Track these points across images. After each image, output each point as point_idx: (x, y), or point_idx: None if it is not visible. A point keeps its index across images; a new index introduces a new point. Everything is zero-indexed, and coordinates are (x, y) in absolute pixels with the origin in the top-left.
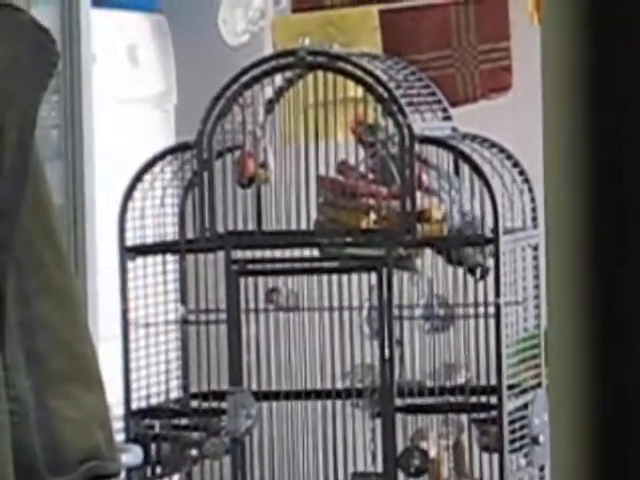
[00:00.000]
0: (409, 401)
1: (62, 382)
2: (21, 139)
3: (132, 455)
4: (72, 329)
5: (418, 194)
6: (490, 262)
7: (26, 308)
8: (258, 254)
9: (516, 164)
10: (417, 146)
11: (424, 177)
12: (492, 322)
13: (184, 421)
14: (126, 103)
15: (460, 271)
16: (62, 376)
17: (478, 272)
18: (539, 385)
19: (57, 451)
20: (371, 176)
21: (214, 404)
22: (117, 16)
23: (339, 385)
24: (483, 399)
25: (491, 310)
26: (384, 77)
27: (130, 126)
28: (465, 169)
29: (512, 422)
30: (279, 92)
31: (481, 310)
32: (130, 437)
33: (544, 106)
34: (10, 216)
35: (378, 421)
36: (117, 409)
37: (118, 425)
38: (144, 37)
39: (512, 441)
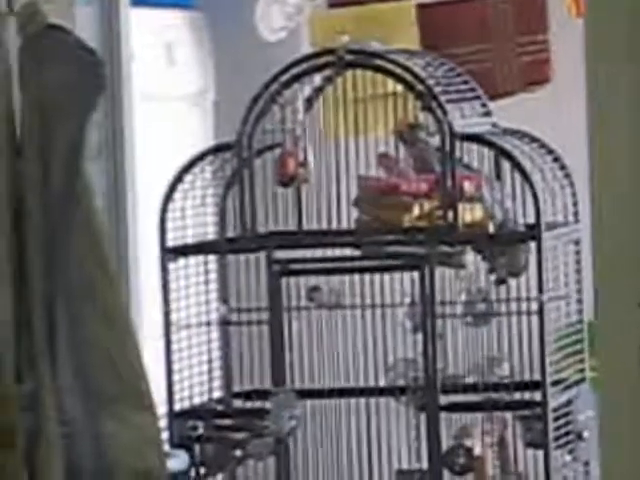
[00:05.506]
0: (453, 399)
1: (113, 403)
2: (70, 160)
3: (179, 460)
4: (122, 348)
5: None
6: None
7: (77, 330)
8: (299, 253)
9: (557, 159)
10: (458, 147)
11: (466, 186)
12: (535, 318)
13: (227, 421)
14: (164, 101)
15: None
16: (112, 397)
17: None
18: (583, 380)
19: (109, 474)
20: (412, 172)
21: (257, 404)
22: (154, 14)
23: (382, 382)
24: (527, 396)
25: (534, 306)
26: (423, 74)
27: (168, 124)
28: (506, 164)
29: (556, 418)
30: (318, 90)
31: (524, 306)
32: (174, 440)
33: (588, 100)
34: (60, 241)
35: (422, 417)
36: (160, 409)
37: (162, 425)
38: (181, 35)
39: (557, 437)
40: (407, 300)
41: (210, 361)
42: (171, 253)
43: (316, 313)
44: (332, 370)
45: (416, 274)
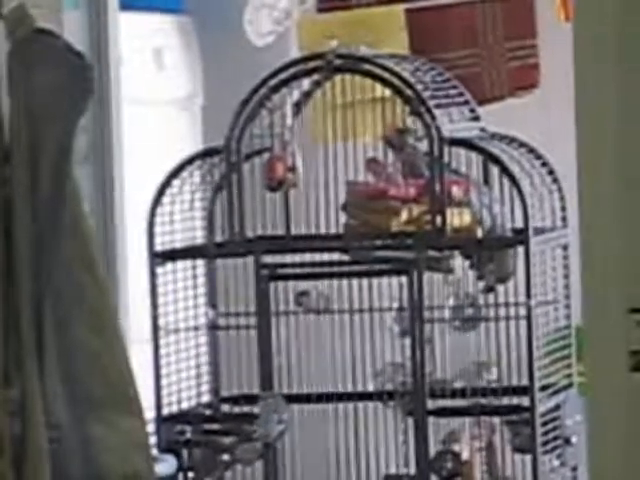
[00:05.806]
0: (441, 403)
1: (100, 407)
2: (58, 164)
3: (167, 465)
4: (110, 353)
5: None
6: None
7: (65, 335)
8: (287, 257)
9: (545, 164)
10: (446, 152)
11: (454, 191)
12: (523, 323)
13: (215, 426)
14: (153, 105)
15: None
16: (100, 401)
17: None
18: (571, 385)
19: (97, 479)
20: (400, 177)
21: (245, 409)
22: (143, 18)
23: (370, 386)
24: (515, 401)
25: (522, 311)
26: (412, 79)
27: (157, 128)
28: (494, 169)
29: (544, 423)
30: (307, 95)
31: (512, 311)
32: (162, 445)
33: (577, 103)
34: (48, 245)
35: (410, 422)
36: (148, 414)
37: (150, 429)
38: (170, 39)
39: (545, 442)
40: (395, 305)
41: (198, 365)
42: (159, 257)
43: (304, 318)
44: (320, 375)
45: (404, 279)
